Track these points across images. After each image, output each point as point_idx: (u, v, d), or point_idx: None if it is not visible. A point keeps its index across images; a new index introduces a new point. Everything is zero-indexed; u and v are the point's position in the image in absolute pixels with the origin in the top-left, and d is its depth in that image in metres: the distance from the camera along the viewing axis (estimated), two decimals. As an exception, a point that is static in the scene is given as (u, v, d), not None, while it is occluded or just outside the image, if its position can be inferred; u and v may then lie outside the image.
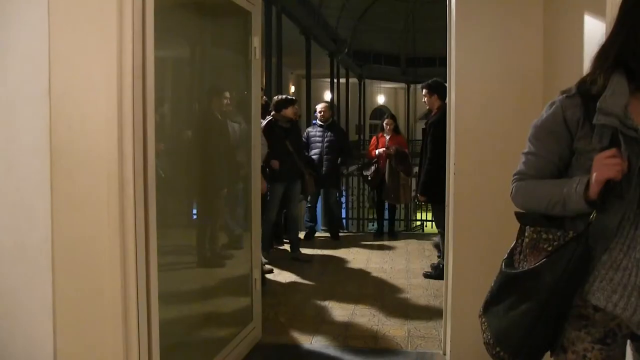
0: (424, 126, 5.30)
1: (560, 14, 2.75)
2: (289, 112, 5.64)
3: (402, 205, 9.19)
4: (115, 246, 2.22)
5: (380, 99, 29.98)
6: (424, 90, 5.22)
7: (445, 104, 3.71)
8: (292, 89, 18.68)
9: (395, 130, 7.02)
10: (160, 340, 2.38)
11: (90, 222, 2.24)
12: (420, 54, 26.31)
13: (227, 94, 3.45)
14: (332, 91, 18.59)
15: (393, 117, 7.27)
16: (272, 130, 5.42)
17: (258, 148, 3.58)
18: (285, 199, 5.79)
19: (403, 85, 28.82)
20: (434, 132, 4.85)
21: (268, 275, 5.20)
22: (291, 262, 5.76)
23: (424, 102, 5.33)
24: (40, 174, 2.25)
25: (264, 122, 5.27)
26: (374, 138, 7.29)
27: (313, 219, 7.20)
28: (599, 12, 2.03)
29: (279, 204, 5.72)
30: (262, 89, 5.53)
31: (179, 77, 3.02)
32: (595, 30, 2.11)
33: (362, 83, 25.77)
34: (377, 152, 6.91)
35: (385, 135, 6.96)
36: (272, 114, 5.56)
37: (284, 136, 5.55)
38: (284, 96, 5.92)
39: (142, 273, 2.28)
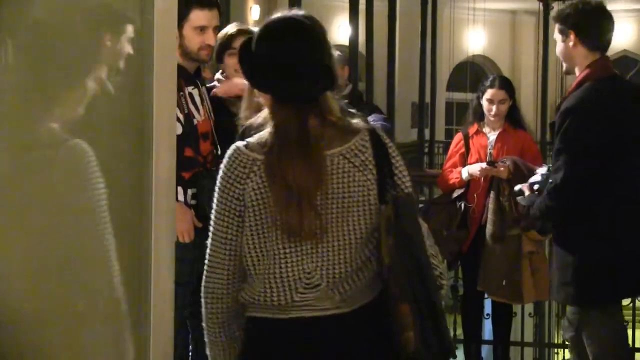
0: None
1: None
2: None
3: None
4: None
5: (475, 42, 12.63)
6: (557, 27, 2.39)
7: (604, 61, 2.25)
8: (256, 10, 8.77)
9: (512, 119, 3.37)
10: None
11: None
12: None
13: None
14: (352, 21, 7.66)
15: (505, 85, 3.41)
16: None
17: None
18: None
19: (530, 6, 11.66)
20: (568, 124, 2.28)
21: None
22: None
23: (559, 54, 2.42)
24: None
25: None
26: (457, 138, 3.56)
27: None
28: None
29: None
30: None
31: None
32: None
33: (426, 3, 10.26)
34: (463, 175, 3.31)
35: (484, 129, 3.37)
36: None
37: None
38: None
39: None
